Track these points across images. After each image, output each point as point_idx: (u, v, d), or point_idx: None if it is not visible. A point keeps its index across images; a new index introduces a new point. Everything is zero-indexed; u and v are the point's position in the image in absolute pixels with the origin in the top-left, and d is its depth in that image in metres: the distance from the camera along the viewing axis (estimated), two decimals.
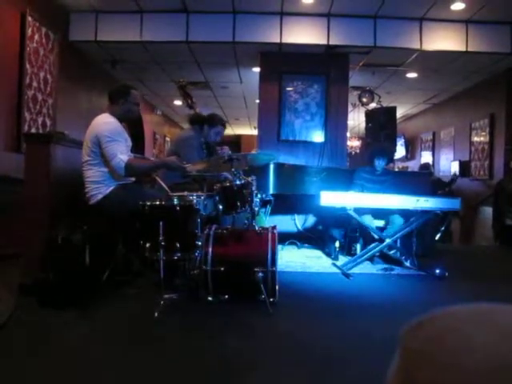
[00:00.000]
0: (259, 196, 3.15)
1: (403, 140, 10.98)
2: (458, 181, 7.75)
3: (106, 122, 3.12)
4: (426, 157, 10.01)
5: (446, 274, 3.92)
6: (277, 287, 2.83)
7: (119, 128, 3.17)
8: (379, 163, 4.63)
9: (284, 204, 5.49)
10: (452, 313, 0.42)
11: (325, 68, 6.30)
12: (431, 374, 0.38)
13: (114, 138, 3.03)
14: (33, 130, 4.96)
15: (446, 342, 0.39)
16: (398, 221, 4.32)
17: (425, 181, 5.73)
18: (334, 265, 4.41)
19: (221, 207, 3.00)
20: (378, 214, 4.42)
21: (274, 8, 5.68)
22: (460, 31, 5.84)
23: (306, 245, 5.49)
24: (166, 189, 3.10)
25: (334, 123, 6.37)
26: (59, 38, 5.53)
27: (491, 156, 7.20)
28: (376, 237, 4.25)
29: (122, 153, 3.01)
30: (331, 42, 5.88)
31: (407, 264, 4.39)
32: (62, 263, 2.84)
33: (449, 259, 4.84)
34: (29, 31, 4.83)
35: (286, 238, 5.40)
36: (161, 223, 2.63)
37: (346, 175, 5.15)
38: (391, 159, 5.10)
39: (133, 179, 3.31)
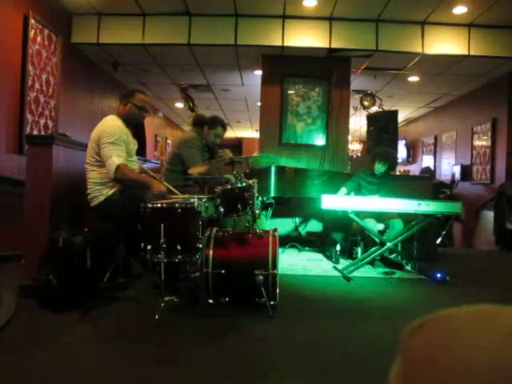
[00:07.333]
0: (260, 199, 3.15)
1: (405, 144, 10.97)
2: (459, 184, 7.73)
3: (109, 125, 3.12)
4: (427, 161, 9.99)
5: (447, 278, 3.91)
6: (277, 290, 2.83)
7: (122, 132, 3.13)
8: (379, 168, 4.61)
9: (285, 207, 5.50)
10: (453, 315, 0.42)
11: (327, 71, 6.30)
12: (433, 377, 0.38)
13: (115, 141, 3.01)
14: (35, 132, 4.97)
15: (448, 344, 0.39)
16: (399, 224, 4.31)
17: (426, 184, 5.73)
18: (335, 268, 4.40)
19: (222, 210, 2.99)
20: (378, 217, 4.41)
21: (276, 11, 5.70)
22: (462, 35, 5.85)
23: (307, 248, 5.49)
24: (173, 190, 3.10)
25: (336, 126, 6.38)
26: (61, 40, 5.55)
27: (493, 160, 7.19)
28: (377, 240, 4.24)
29: (118, 156, 2.98)
30: (333, 46, 5.89)
31: (408, 268, 4.38)
32: (63, 265, 2.84)
33: (450, 263, 4.83)
34: (31, 33, 4.85)
35: (287, 241, 5.39)
36: (162, 225, 2.62)
37: (347, 179, 5.14)
38: (393, 166, 5.02)
39: None
